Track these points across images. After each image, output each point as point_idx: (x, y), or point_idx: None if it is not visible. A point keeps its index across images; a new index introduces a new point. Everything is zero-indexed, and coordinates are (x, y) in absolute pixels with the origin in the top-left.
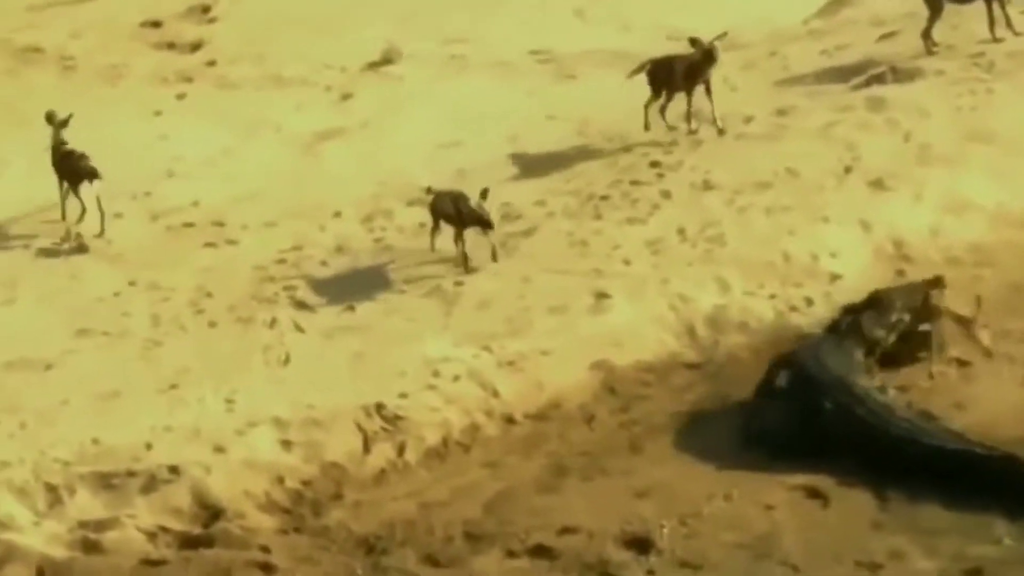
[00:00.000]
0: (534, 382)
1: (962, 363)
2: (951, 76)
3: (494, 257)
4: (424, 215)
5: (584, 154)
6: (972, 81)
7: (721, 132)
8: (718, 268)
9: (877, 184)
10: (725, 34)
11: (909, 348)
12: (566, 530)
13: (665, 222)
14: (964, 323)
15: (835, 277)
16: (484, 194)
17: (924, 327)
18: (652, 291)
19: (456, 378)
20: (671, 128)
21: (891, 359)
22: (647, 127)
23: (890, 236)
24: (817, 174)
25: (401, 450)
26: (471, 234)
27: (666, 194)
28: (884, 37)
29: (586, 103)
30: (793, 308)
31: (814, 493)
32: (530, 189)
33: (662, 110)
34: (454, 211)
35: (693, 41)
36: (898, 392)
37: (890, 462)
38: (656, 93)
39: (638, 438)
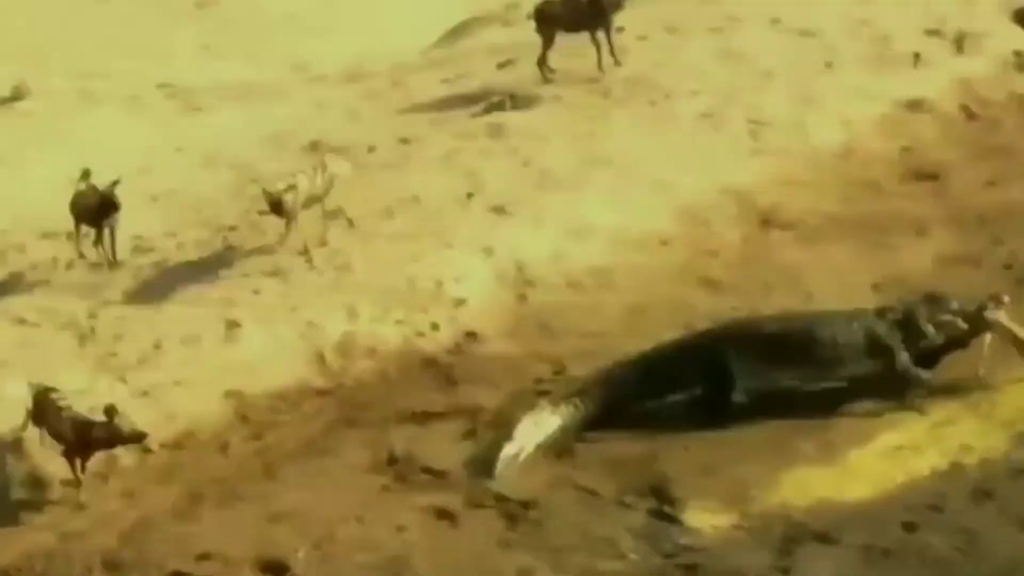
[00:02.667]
0: (168, 412)
1: None
2: (568, 102)
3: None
4: (57, 248)
5: (212, 185)
6: (589, 107)
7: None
8: (346, 296)
9: (499, 210)
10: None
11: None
12: (203, 556)
13: (292, 251)
14: (1018, 345)
15: (459, 302)
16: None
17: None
18: (282, 319)
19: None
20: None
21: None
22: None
23: (513, 260)
24: (440, 201)
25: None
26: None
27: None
28: (502, 66)
29: (213, 135)
30: (419, 333)
31: (443, 514)
32: (160, 221)
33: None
34: None
35: None
36: None
37: None
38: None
39: (272, 465)
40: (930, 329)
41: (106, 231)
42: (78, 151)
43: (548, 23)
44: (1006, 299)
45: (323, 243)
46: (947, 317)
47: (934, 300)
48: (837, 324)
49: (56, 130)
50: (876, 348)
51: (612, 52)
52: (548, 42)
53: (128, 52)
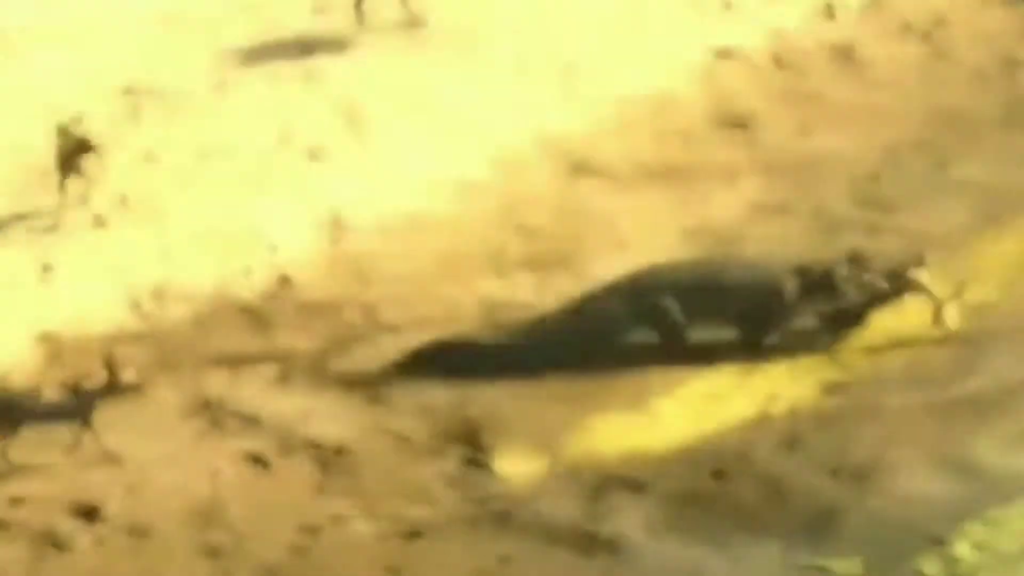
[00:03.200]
0: None
1: None
2: (384, 48)
3: None
4: None
5: (30, 130)
6: (404, 53)
7: None
8: (161, 240)
9: (313, 155)
10: None
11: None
12: (15, 501)
13: (110, 195)
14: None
15: (273, 247)
16: None
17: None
18: (97, 263)
19: None
20: None
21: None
22: None
23: (327, 206)
24: (255, 146)
25: None
26: None
27: (106, 168)
28: (318, 10)
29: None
30: (232, 278)
31: (256, 459)
32: None
33: None
34: None
35: None
36: None
37: None
38: None
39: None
40: (850, 288)
41: None
42: None
43: None
44: (928, 259)
45: None
46: (868, 276)
47: (856, 259)
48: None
49: None
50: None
51: None
52: None
53: None
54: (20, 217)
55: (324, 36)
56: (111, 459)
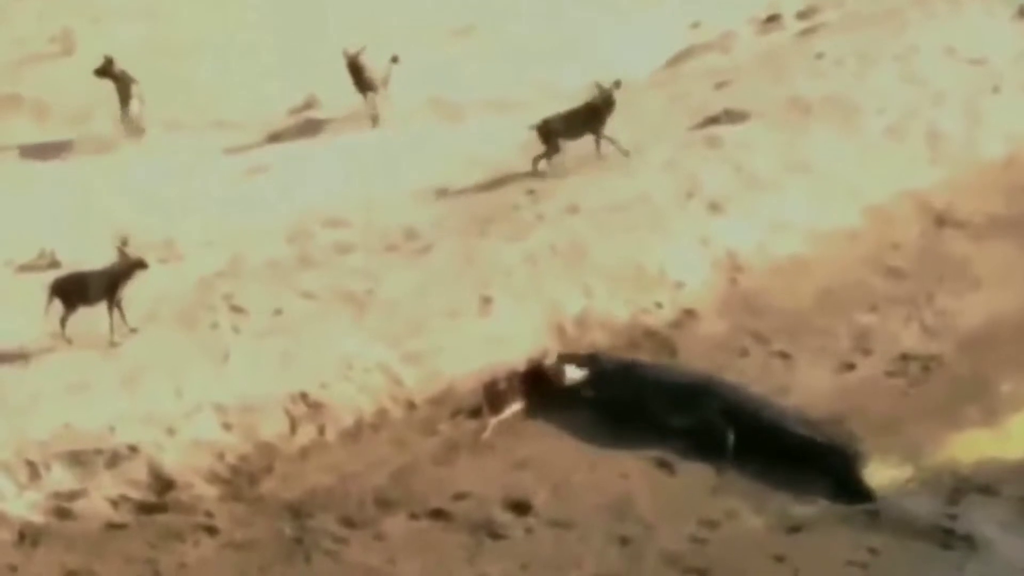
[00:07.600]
0: (432, 373)
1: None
2: (774, 118)
3: None
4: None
5: (474, 184)
6: (791, 122)
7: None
8: (582, 275)
9: (714, 207)
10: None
11: None
12: (459, 496)
13: (539, 240)
14: None
15: (679, 285)
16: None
17: None
18: (524, 294)
19: (367, 370)
20: None
21: None
22: None
23: (724, 250)
24: (664, 200)
25: (322, 431)
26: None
27: (540, 216)
28: (719, 86)
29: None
30: (644, 310)
31: (662, 464)
32: (429, 214)
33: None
34: None
35: None
36: None
37: None
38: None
39: (518, 419)
40: None
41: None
42: (357, 159)
43: None
44: None
45: None
46: None
47: None
48: None
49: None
50: None
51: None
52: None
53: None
54: (465, 259)
55: (723, 107)
56: (540, 463)
